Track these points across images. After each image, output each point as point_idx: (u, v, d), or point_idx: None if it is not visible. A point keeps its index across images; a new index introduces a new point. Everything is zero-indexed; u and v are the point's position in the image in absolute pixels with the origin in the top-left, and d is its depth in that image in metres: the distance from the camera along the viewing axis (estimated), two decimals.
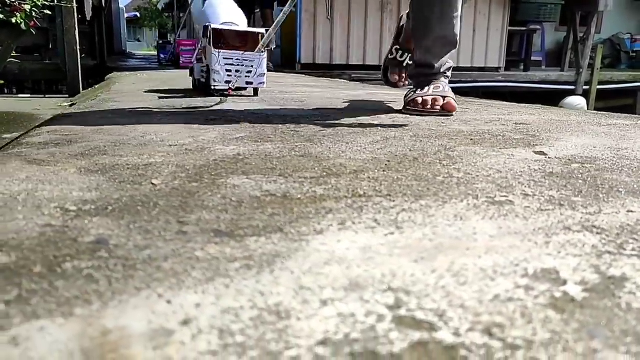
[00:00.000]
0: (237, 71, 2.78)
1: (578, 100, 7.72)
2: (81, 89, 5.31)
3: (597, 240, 0.67)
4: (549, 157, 1.19)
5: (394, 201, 0.84)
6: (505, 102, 3.04)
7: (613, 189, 0.92)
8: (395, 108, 2.35)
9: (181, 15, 20.08)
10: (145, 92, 3.21)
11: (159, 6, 24.10)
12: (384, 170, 1.06)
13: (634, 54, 9.40)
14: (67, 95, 5.33)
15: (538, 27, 9.05)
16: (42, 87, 7.21)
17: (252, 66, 2.80)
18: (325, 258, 0.62)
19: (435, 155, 1.21)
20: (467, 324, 0.47)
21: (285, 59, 7.43)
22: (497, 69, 7.89)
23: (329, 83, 4.72)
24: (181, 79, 4.28)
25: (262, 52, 2.79)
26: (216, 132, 1.56)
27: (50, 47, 6.89)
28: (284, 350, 0.44)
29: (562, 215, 0.77)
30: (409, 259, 0.62)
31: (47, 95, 6.21)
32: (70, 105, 4.08)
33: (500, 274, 0.58)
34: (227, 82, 2.77)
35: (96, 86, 5.07)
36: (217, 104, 2.43)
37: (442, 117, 1.97)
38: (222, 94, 2.86)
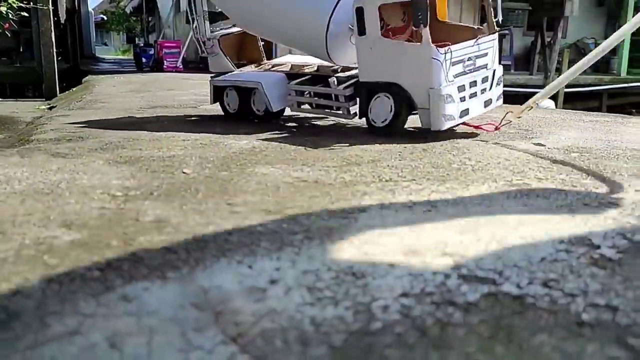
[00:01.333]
0: (472, 84, 1.52)
1: (547, 103, 7.94)
2: (58, 92, 5.24)
3: (617, 213, 0.74)
4: (548, 148, 1.27)
5: (420, 185, 0.91)
6: None
7: (615, 173, 1.00)
8: None
9: (150, 18, 19.83)
10: (127, 92, 3.21)
11: (127, 9, 23.80)
12: (400, 160, 1.12)
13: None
14: (42, 99, 5.25)
15: (507, 32, 9.27)
16: (6, 91, 7.01)
17: (485, 67, 1.59)
18: (378, 231, 0.68)
19: (443, 147, 1.27)
20: (526, 279, 0.53)
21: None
22: None
23: None
24: (160, 81, 4.28)
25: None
26: (222, 128, 1.60)
27: (21, 50, 6.76)
28: (372, 301, 0.49)
29: (578, 194, 0.85)
30: (453, 231, 0.68)
31: (19, 99, 6.10)
32: (50, 108, 4.04)
33: (539, 241, 0.64)
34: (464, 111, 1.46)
35: (74, 89, 5.01)
36: (204, 104, 2.45)
37: None
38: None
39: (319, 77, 1.77)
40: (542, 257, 0.59)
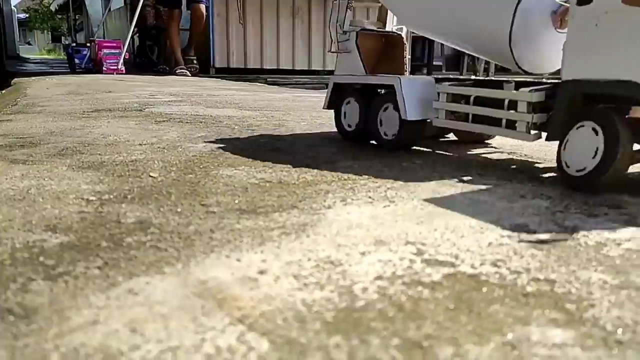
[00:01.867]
0: None
1: None
2: None
3: (549, 204, 0.86)
4: (492, 147, 1.39)
5: (376, 182, 0.99)
6: None
7: (546, 168, 1.12)
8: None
9: (77, 16, 19.09)
10: (64, 95, 3.14)
11: (52, 7, 22.77)
12: (354, 160, 1.20)
13: None
14: None
15: None
16: None
17: None
18: (346, 224, 0.75)
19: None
20: (478, 261, 0.63)
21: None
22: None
23: (250, 86, 4.81)
24: (97, 83, 4.19)
25: None
26: (176, 133, 1.63)
27: None
28: (352, 284, 0.57)
29: (514, 187, 0.96)
30: (411, 223, 0.77)
31: None
32: None
33: (486, 229, 0.74)
34: None
35: (3, 91, 4.80)
36: (149, 107, 2.46)
37: None
38: None
39: (486, 81, 1.32)
40: (490, 242, 0.69)
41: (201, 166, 1.13)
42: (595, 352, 0.44)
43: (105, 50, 5.53)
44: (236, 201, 0.87)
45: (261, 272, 0.59)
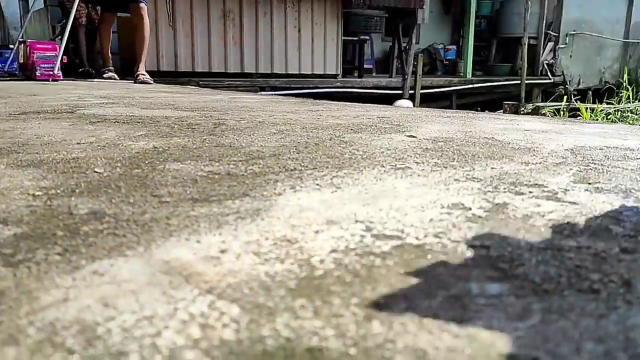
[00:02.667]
0: None
1: (407, 103, 8.61)
2: None
3: (480, 185, 0.93)
4: (419, 139, 1.47)
5: (322, 172, 1.04)
6: (355, 103, 3.39)
7: (474, 156, 1.21)
8: (266, 109, 2.54)
9: None
10: None
11: None
12: (298, 153, 1.24)
13: (447, 62, 10.68)
14: None
15: (367, 37, 9.84)
16: None
17: None
18: (298, 208, 0.79)
19: (332, 141, 1.42)
20: (422, 234, 0.68)
21: (124, 67, 7.20)
22: (335, 76, 8.47)
23: (183, 89, 4.76)
24: (17, 87, 4.01)
25: None
26: (114, 132, 1.61)
27: None
28: (310, 257, 0.61)
29: (449, 173, 1.03)
30: (358, 205, 0.82)
31: None
32: None
33: (426, 207, 0.80)
34: None
35: None
36: (80, 109, 2.40)
37: (316, 114, 2.20)
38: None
39: None
40: (431, 218, 0.75)
41: (146, 162, 1.14)
42: (527, 299, 0.50)
43: (38, 53, 4.84)
44: (187, 191, 0.89)
45: (222, 252, 0.62)
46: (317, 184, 0.94)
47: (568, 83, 10.43)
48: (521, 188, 0.92)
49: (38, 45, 4.90)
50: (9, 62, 5.41)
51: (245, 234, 0.68)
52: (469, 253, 0.62)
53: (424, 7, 8.88)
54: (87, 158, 1.18)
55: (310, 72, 8.52)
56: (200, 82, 7.06)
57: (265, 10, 7.60)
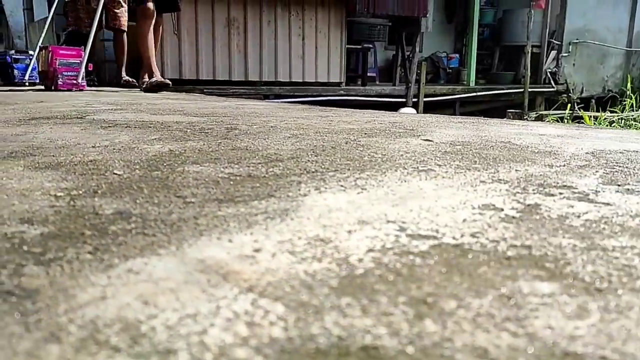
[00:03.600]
0: None
1: (410, 111, 8.61)
2: None
3: (507, 187, 0.92)
4: (436, 143, 1.46)
5: (344, 174, 1.02)
6: (362, 110, 3.38)
7: (496, 159, 1.20)
8: (275, 115, 2.53)
9: None
10: None
11: None
12: (316, 155, 1.23)
13: (450, 70, 10.69)
14: None
15: (371, 45, 9.86)
16: None
17: None
18: (326, 209, 0.78)
19: (348, 145, 1.41)
20: (458, 233, 0.67)
21: (129, 75, 7.21)
22: (339, 84, 8.48)
23: (189, 96, 4.75)
24: (21, 94, 4.00)
25: None
26: (127, 136, 1.60)
27: None
28: (347, 257, 0.59)
29: (473, 175, 1.02)
30: (387, 205, 0.80)
31: None
32: None
33: (457, 208, 0.79)
34: None
35: None
36: (90, 115, 2.39)
37: (326, 119, 2.19)
38: None
39: None
40: (464, 218, 0.73)
41: (165, 164, 1.13)
42: (581, 298, 0.48)
43: (60, 60, 4.20)
44: (211, 192, 0.88)
45: (256, 251, 0.61)
46: (342, 186, 0.92)
47: (571, 91, 10.43)
48: (550, 189, 0.90)
49: (61, 51, 4.31)
50: (29, 70, 4.72)
51: (277, 233, 0.67)
52: (511, 252, 0.60)
53: (427, 15, 8.90)
54: (105, 161, 1.16)
55: (314, 80, 8.53)
56: (205, 90, 7.07)
57: (269, 19, 7.62)
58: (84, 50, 4.40)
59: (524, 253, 0.60)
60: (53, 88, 4.16)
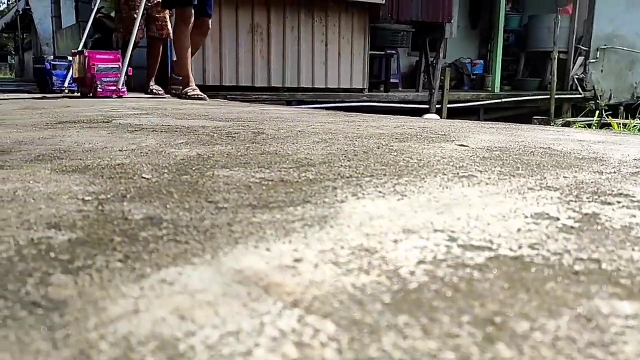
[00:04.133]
0: None
1: (434, 117, 8.52)
2: None
3: (559, 194, 0.86)
4: (472, 148, 1.40)
5: (381, 179, 0.97)
6: (388, 115, 3.32)
7: (539, 165, 1.13)
8: (301, 120, 2.49)
9: (25, 35, 18.58)
10: (20, 110, 3.01)
11: None
12: (349, 160, 1.18)
13: (474, 77, 10.57)
14: None
15: (394, 52, 9.81)
16: None
17: None
18: (367, 216, 0.73)
19: (380, 150, 1.36)
20: (515, 245, 0.61)
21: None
22: (362, 90, 8.43)
23: (213, 101, 4.75)
24: (47, 99, 4.03)
25: None
26: (154, 140, 1.57)
27: None
28: (397, 269, 0.54)
29: (519, 182, 0.96)
30: (432, 213, 0.75)
31: None
32: None
33: (508, 217, 0.73)
34: None
35: None
36: (116, 119, 2.38)
37: (353, 124, 2.15)
38: None
39: None
40: (518, 228, 0.68)
41: (194, 168, 1.09)
42: None
43: (99, 65, 3.89)
44: (244, 198, 0.83)
45: (297, 261, 0.56)
46: (380, 192, 0.87)
47: (599, 98, 10.23)
48: (607, 198, 0.84)
49: (99, 56, 3.98)
50: (69, 77, 4.40)
51: (318, 242, 0.62)
52: (579, 267, 0.54)
53: (452, 21, 8.82)
54: (133, 164, 1.13)
55: (336, 87, 8.50)
56: (228, 96, 7.08)
57: (293, 25, 7.62)
58: (124, 54, 4.17)
59: (593, 267, 0.54)
60: (91, 95, 3.91)
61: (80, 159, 1.20)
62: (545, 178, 0.99)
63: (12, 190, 0.88)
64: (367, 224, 0.69)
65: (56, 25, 12.29)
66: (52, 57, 4.83)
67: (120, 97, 3.95)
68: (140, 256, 0.57)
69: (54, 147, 1.41)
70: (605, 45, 10.15)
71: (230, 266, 0.54)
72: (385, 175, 1.02)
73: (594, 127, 7.41)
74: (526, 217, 0.73)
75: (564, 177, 1.00)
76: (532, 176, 1.01)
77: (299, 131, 1.86)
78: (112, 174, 1.03)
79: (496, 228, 0.68)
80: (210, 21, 4.89)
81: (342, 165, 1.12)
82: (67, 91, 4.60)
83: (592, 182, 0.96)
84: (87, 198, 0.83)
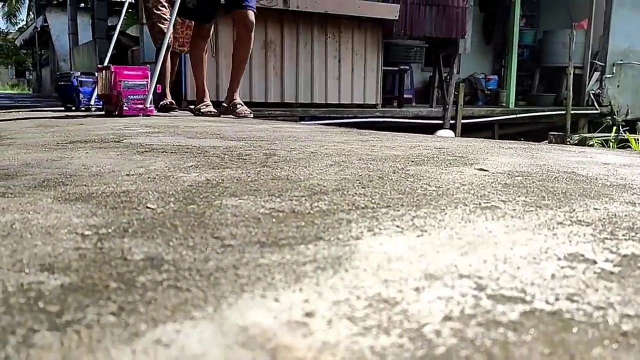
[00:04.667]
0: None
1: (448, 133, 8.44)
2: None
3: (592, 230, 0.79)
4: (492, 173, 1.34)
5: (398, 211, 0.92)
6: (401, 133, 3.27)
7: (566, 193, 1.07)
8: (314, 139, 2.44)
9: (43, 51, 18.87)
10: (33, 127, 3.00)
11: (17, 42, 22.50)
12: (363, 187, 1.13)
13: (488, 92, 10.49)
14: None
15: (407, 67, 9.78)
16: None
17: None
18: (384, 257, 0.67)
19: (396, 175, 1.30)
20: (551, 295, 0.55)
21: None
22: (374, 106, 8.39)
23: (225, 118, 4.73)
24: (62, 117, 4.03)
25: None
26: (163, 162, 1.53)
27: None
28: (420, 327, 0.48)
29: (547, 214, 0.90)
30: (455, 253, 0.69)
31: None
32: None
33: (539, 258, 0.67)
34: None
35: None
36: (127, 138, 2.35)
37: (367, 144, 2.09)
38: None
39: None
40: (552, 274, 0.62)
41: (201, 196, 1.04)
42: None
43: (126, 82, 3.58)
44: (252, 233, 0.78)
45: (308, 315, 0.51)
46: (398, 226, 0.82)
47: (616, 113, 10.10)
48: None
49: (126, 72, 3.68)
50: (95, 95, 4.09)
51: (331, 290, 0.56)
52: (627, 326, 0.48)
53: (466, 37, 8.78)
54: (138, 191, 1.09)
55: (349, 102, 8.48)
56: None
57: (306, 41, 7.63)
58: (155, 68, 3.86)
59: None
60: (117, 114, 3.63)
61: (85, 185, 1.16)
62: (574, 210, 0.93)
63: (9, 222, 0.83)
64: (384, 267, 0.63)
65: (73, 41, 12.45)
66: (78, 73, 4.42)
67: (148, 116, 3.71)
68: (135, 307, 0.52)
69: (60, 171, 1.37)
70: (621, 61, 10.05)
71: (234, 322, 0.49)
72: (402, 205, 0.96)
73: (611, 143, 7.29)
74: (559, 258, 0.67)
75: (594, 209, 0.94)
76: (559, 207, 0.95)
77: (312, 152, 1.81)
78: (116, 202, 0.99)
79: (527, 273, 0.62)
80: (251, 13, 4.15)
81: (356, 193, 1.07)
82: (93, 109, 4.38)
83: (625, 215, 0.89)
84: (86, 232, 0.78)
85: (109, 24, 11.41)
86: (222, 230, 0.80)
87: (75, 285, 0.57)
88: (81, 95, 4.36)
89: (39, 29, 17.04)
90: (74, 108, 4.46)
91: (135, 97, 3.61)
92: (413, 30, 8.58)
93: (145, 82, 3.77)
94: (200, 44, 4.71)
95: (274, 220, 0.86)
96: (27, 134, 2.64)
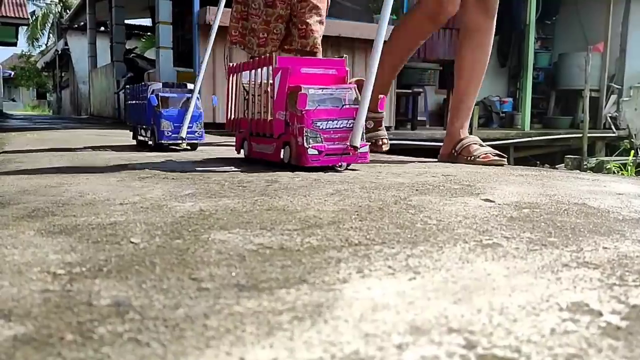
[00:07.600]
0: None
1: None
2: None
3: (599, 275, 0.73)
4: (499, 204, 1.28)
5: (393, 248, 0.86)
6: (411, 157, 3.21)
7: (574, 229, 1.01)
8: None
9: (63, 74, 19.23)
10: (45, 151, 3.00)
11: (38, 65, 22.98)
12: (360, 220, 1.08)
13: (503, 114, 10.40)
14: None
15: (421, 90, 9.76)
16: None
17: None
18: (369, 305, 0.62)
19: (397, 205, 1.25)
20: (549, 357, 0.50)
21: None
22: (388, 128, 8.35)
23: (229, 139, 4.71)
24: (78, 138, 4.05)
25: None
26: (161, 190, 1.50)
27: None
28: None
29: (552, 254, 0.84)
30: (447, 301, 0.63)
31: None
32: None
33: (539, 308, 0.61)
34: None
35: None
36: (133, 162, 2.33)
37: (374, 170, 2.05)
38: None
39: None
40: (552, 328, 0.56)
41: (190, 229, 1.00)
42: None
43: (315, 91, 1.88)
44: (233, 274, 0.73)
45: None
46: (390, 267, 0.76)
47: (634, 137, 9.95)
48: None
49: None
50: (188, 119, 2.68)
51: (304, 346, 0.51)
52: None
53: None
54: (126, 223, 1.05)
55: None
56: None
57: None
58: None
59: None
60: (287, 161, 2.05)
61: (74, 216, 1.13)
62: (581, 249, 0.87)
63: None
64: (368, 318, 0.58)
65: (91, 64, 12.66)
66: (159, 85, 2.84)
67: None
68: None
69: (54, 199, 1.34)
70: (638, 84, 9.92)
71: None
72: (398, 242, 0.91)
73: (629, 167, 7.14)
74: (561, 309, 0.61)
75: (604, 248, 0.88)
76: (566, 246, 0.89)
77: (314, 179, 1.76)
78: (100, 236, 0.95)
79: (524, 327, 0.56)
80: None
81: (351, 227, 1.02)
82: (184, 144, 2.89)
83: (637, 257, 0.83)
84: (59, 271, 0.74)
85: (127, 47, 11.56)
86: (202, 270, 0.75)
87: (28, 337, 0.53)
88: (163, 123, 2.74)
89: (59, 51, 17.40)
90: (150, 143, 2.88)
91: (332, 125, 1.86)
92: (427, 53, 8.56)
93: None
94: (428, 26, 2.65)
95: (259, 258, 0.81)
96: (36, 159, 2.64)
